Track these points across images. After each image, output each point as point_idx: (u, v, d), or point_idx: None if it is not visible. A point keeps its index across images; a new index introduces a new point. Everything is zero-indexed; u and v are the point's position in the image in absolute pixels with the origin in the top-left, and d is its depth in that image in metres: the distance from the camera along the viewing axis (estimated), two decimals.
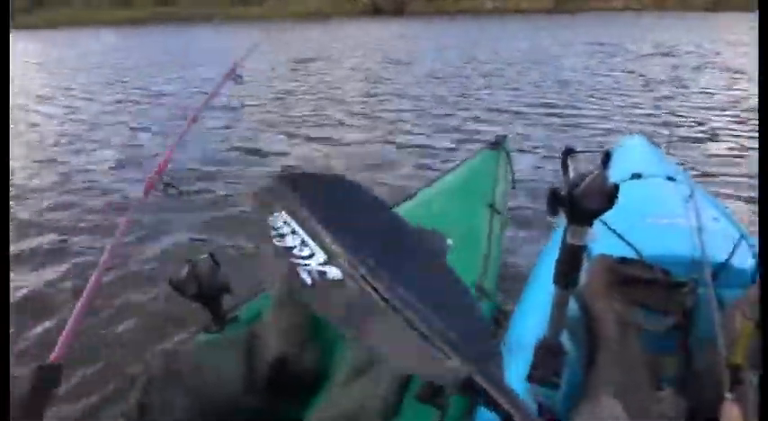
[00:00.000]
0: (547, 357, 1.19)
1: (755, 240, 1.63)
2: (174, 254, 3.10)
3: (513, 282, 2.46)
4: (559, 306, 1.13)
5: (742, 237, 1.62)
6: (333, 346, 1.45)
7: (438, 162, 4.76)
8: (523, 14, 34.40)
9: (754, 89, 8.46)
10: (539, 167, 4.51)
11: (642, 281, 1.39)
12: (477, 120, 6.49)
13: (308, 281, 0.72)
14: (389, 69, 11.37)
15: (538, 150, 5.07)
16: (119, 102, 8.54)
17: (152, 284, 2.74)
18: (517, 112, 6.86)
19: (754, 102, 7.41)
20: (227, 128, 6.30)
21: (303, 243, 0.72)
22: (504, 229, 2.14)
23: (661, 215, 1.74)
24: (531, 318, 1.48)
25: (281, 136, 6.00)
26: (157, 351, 1.27)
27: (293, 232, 0.73)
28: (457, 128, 6.10)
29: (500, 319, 1.79)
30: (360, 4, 39.88)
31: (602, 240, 1.60)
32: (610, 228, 1.62)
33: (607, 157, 1.08)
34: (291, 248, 0.74)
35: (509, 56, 12.94)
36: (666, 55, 12.80)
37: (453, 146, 5.32)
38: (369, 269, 0.69)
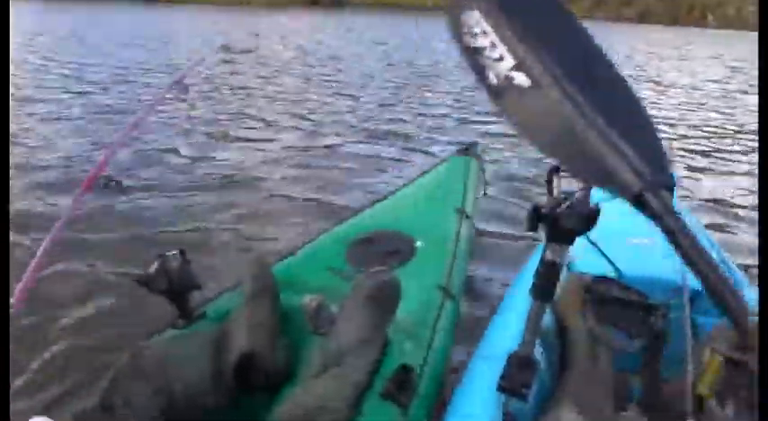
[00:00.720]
0: (517, 368, 1.22)
1: (736, 269, 1.68)
2: (115, 250, 2.98)
3: (483, 290, 2.53)
4: (534, 318, 1.16)
5: (722, 263, 1.66)
6: (301, 343, 1.46)
7: (391, 171, 4.54)
8: None
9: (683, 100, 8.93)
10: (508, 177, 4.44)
11: (616, 301, 1.43)
12: (427, 128, 6.16)
13: (495, 81, 0.73)
14: (328, 66, 10.98)
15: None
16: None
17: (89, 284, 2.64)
18: (466, 120, 6.80)
19: (690, 116, 7.75)
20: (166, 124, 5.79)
21: (493, 45, 0.73)
22: (472, 234, 2.18)
23: (644, 235, 1.74)
24: (507, 329, 1.50)
25: (212, 138, 5.59)
26: (125, 347, 1.25)
27: (484, 33, 0.74)
28: (406, 135, 5.80)
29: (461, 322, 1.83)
30: None
31: (583, 255, 1.62)
32: (593, 244, 1.63)
33: None
34: (481, 49, 0.75)
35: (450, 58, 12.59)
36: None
37: (402, 157, 5.05)
38: (557, 78, 0.72)
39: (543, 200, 1.07)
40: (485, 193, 2.63)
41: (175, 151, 4.96)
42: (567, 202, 0.99)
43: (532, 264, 1.87)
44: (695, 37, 27.34)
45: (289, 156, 4.91)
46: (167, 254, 1.50)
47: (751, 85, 10.87)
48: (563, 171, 1.11)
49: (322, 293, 1.53)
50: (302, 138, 5.58)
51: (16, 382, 1.65)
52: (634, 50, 17.58)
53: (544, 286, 1.10)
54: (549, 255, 1.06)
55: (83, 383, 1.14)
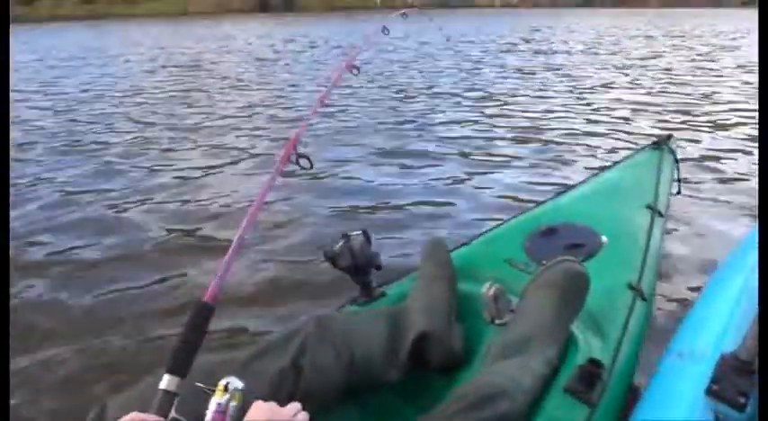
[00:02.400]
0: (733, 374, 1.07)
1: None
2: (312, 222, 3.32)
3: (671, 288, 2.30)
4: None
5: None
6: (477, 332, 1.42)
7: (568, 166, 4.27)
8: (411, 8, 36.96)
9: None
10: None
11: None
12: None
13: None
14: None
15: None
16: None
17: (292, 250, 2.94)
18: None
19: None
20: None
21: None
22: (664, 233, 1.98)
23: None
24: (712, 325, 1.35)
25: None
26: (313, 315, 1.32)
27: None
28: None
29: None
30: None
31: None
32: None
33: None
34: None
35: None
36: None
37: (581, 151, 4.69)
38: None
39: None
40: (678, 192, 2.38)
41: (350, 130, 5.41)
42: None
43: (741, 255, 1.67)
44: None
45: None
46: (352, 233, 1.57)
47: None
48: None
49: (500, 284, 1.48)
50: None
51: (213, 344, 1.86)
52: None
53: None
54: None
55: (275, 346, 1.21)
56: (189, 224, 3.34)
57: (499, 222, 1.98)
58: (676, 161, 2.41)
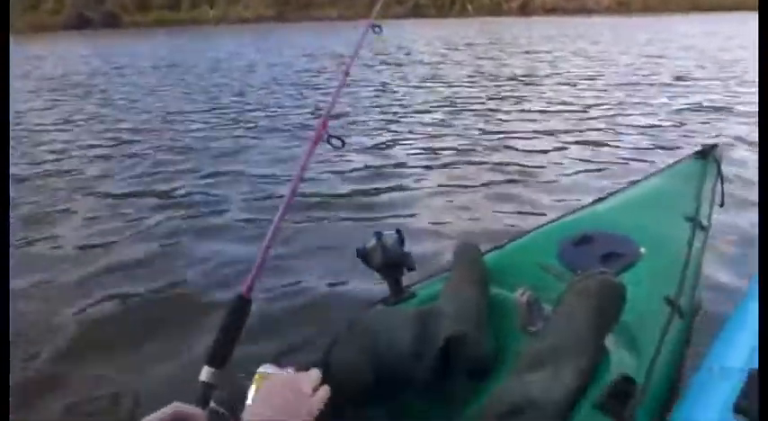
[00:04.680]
0: (761, 388, 1.04)
1: None
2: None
3: (710, 305, 2.23)
4: None
5: None
6: (508, 337, 1.40)
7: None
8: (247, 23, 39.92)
9: None
10: None
11: None
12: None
13: None
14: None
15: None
16: None
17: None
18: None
19: None
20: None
21: None
22: (704, 247, 1.92)
23: None
24: (741, 341, 1.33)
25: None
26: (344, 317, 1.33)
27: None
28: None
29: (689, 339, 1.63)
30: (63, 17, 40.18)
31: None
32: None
33: None
34: None
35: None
36: None
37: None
38: None
39: None
40: (722, 204, 2.30)
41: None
42: None
43: None
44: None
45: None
46: (385, 232, 1.57)
47: None
48: None
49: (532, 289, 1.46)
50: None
51: (261, 337, 1.91)
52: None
53: None
54: None
55: (308, 342, 1.23)
56: None
57: (533, 228, 1.96)
58: (720, 172, 2.34)
